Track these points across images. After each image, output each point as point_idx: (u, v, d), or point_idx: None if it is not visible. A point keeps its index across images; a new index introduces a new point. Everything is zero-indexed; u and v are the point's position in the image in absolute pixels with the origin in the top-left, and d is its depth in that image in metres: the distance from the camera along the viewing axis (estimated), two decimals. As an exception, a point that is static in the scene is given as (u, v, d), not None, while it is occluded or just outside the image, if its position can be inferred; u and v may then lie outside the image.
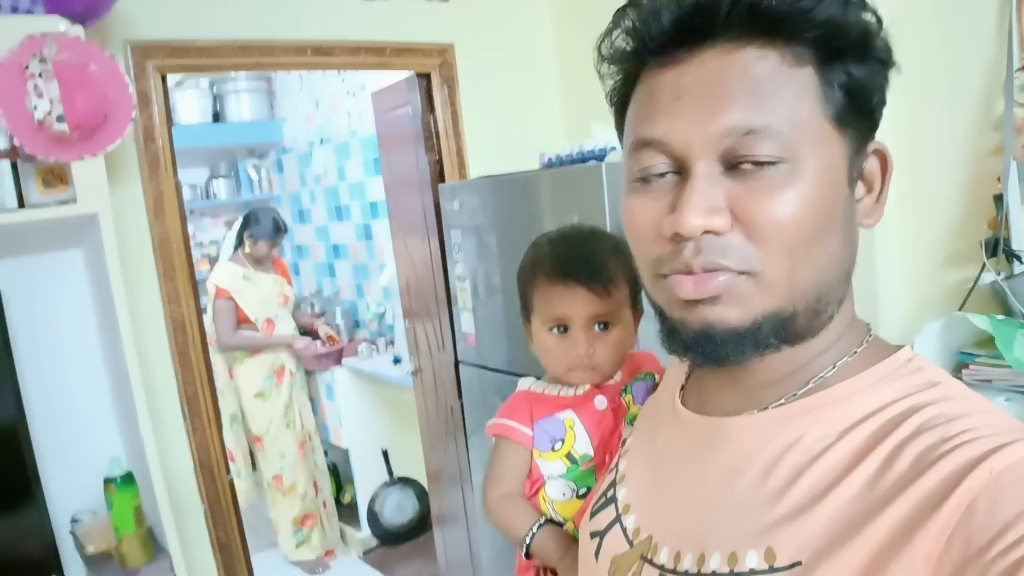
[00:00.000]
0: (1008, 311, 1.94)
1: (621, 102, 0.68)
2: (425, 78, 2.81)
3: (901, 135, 2.15)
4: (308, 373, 4.08)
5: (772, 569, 0.55)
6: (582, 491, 0.98)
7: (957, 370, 1.94)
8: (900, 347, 0.64)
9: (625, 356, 1.02)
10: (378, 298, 4.27)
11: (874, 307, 2.21)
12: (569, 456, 0.99)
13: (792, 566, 0.54)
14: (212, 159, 5.16)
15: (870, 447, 0.55)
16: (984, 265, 2.02)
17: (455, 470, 2.99)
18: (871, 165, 0.63)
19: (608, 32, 0.65)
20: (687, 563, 0.61)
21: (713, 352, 0.60)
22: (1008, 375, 1.79)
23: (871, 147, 0.62)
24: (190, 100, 4.60)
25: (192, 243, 5.01)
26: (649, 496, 0.72)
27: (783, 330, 0.60)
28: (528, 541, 0.99)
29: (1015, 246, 1.98)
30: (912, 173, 2.16)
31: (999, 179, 1.98)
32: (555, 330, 0.99)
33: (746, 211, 0.56)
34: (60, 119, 1.63)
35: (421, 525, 3.92)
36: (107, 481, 1.85)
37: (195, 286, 2.28)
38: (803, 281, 0.58)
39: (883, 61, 0.59)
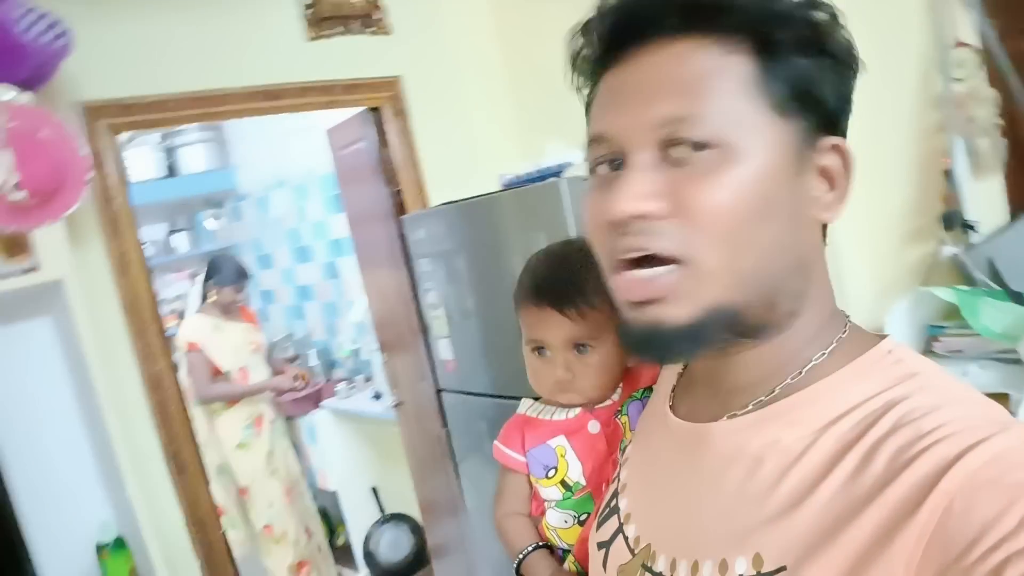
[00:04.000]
0: (970, 281, 2.00)
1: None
2: (377, 112, 2.83)
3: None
4: (288, 419, 4.03)
5: (760, 575, 0.55)
6: (583, 517, 0.96)
7: (928, 344, 1.99)
8: (883, 337, 0.63)
9: (615, 377, 0.97)
10: (351, 335, 4.25)
11: (841, 291, 2.26)
12: (563, 483, 0.97)
13: (778, 571, 0.54)
14: (170, 213, 5.11)
15: (848, 446, 0.55)
16: (942, 239, 2.08)
17: (448, 499, 2.96)
18: (830, 161, 0.62)
19: (578, 49, 0.68)
20: (682, 571, 0.62)
21: (660, 350, 0.62)
22: (977, 343, 1.84)
23: (828, 142, 0.61)
24: (142, 157, 4.55)
25: (157, 300, 4.99)
26: (646, 504, 0.72)
27: (734, 324, 0.60)
28: (518, 563, 0.98)
29: (969, 217, 2.05)
30: (864, 155, 2.22)
31: (946, 155, 2.05)
32: (536, 352, 0.97)
33: (681, 197, 0.57)
34: (16, 188, 1.62)
35: (419, 560, 3.84)
36: (99, 547, 1.81)
37: (166, 341, 2.26)
38: (743, 269, 0.58)
39: (834, 57, 0.59)
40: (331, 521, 4.31)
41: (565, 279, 0.94)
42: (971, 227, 2.05)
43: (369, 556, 3.91)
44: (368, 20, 2.76)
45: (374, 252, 3.09)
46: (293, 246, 4.63)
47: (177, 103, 2.29)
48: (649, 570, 0.66)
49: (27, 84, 1.78)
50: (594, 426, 0.96)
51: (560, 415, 0.99)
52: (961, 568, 0.44)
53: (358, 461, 4.01)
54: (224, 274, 3.77)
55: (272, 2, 2.54)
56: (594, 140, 0.63)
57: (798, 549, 0.53)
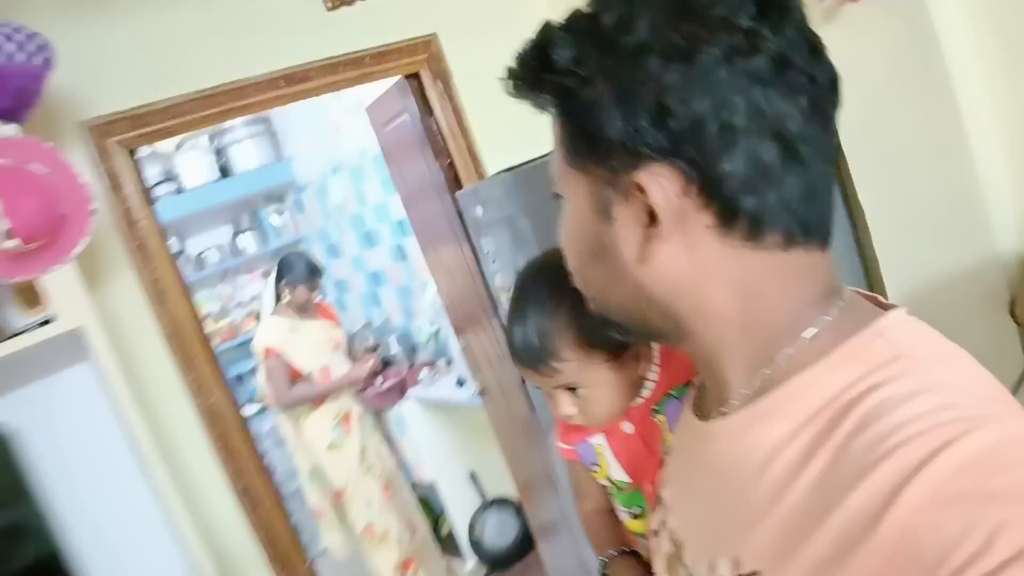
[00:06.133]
0: None
1: None
2: (415, 78, 2.56)
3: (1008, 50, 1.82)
4: (376, 413, 3.92)
5: None
6: (636, 511, 1.00)
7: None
8: (888, 310, 0.59)
9: (623, 395, 0.94)
10: (428, 316, 4.09)
11: (987, 232, 1.90)
12: (609, 479, 1.01)
13: (752, 575, 0.54)
14: (232, 214, 5.05)
15: (819, 443, 0.53)
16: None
17: (544, 478, 2.78)
18: (633, 201, 0.57)
19: None
20: (701, 570, 0.63)
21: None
22: None
23: (632, 179, 0.55)
24: (193, 161, 4.48)
25: (232, 304, 4.95)
26: (679, 498, 0.73)
27: (623, 331, 0.68)
28: (601, 568, 1.03)
29: None
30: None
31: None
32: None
33: None
34: (8, 235, 1.43)
35: (526, 543, 3.73)
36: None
37: (218, 369, 2.08)
38: (592, 298, 0.67)
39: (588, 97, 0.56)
40: (433, 512, 4.22)
41: (531, 343, 0.92)
42: None
43: (476, 544, 3.82)
44: (390, -23, 2.48)
45: (433, 230, 2.89)
46: (359, 232, 4.50)
47: (192, 105, 2.08)
48: (683, 564, 0.67)
49: (10, 113, 1.58)
50: (628, 427, 0.98)
51: None
52: None
53: (452, 448, 3.89)
54: (295, 273, 3.65)
55: (280, -24, 2.28)
56: None
57: (770, 554, 0.53)
